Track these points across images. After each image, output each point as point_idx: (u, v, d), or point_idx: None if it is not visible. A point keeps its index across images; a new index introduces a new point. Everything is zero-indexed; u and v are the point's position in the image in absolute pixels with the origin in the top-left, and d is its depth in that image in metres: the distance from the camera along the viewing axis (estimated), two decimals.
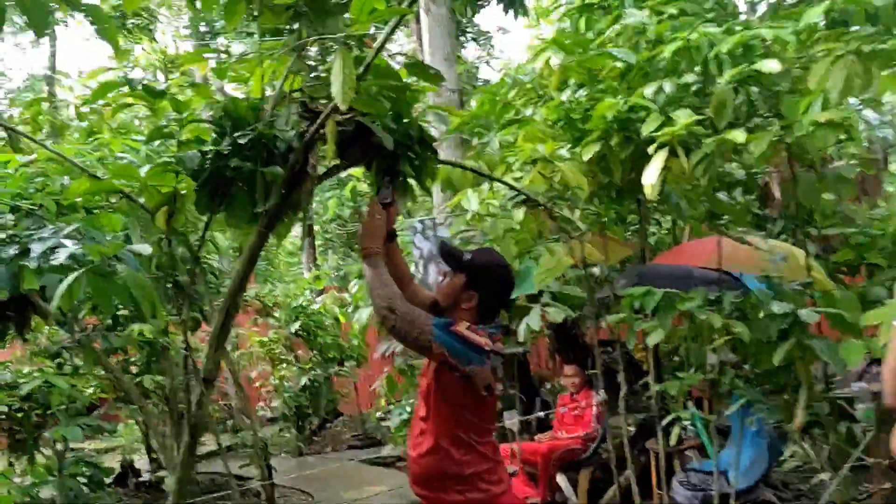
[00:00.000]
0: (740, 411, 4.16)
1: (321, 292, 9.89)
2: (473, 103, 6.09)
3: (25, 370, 7.36)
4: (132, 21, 13.12)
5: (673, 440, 3.80)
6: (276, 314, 8.44)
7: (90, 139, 4.39)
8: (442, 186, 5.30)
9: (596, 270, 6.54)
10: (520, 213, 3.71)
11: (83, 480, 3.74)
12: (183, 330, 2.31)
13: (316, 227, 12.86)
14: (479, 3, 8.57)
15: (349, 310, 9.20)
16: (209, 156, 2.41)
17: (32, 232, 3.40)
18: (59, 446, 7.23)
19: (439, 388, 2.35)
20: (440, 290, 2.50)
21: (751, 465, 4.28)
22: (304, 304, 8.74)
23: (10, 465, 7.56)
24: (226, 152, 2.37)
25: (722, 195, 4.76)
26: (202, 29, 12.72)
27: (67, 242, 3.24)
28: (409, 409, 5.86)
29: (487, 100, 3.79)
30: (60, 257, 2.16)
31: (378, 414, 9.77)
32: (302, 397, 8.63)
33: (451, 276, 2.46)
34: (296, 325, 8.40)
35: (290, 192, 2.38)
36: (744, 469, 4.16)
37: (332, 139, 2.24)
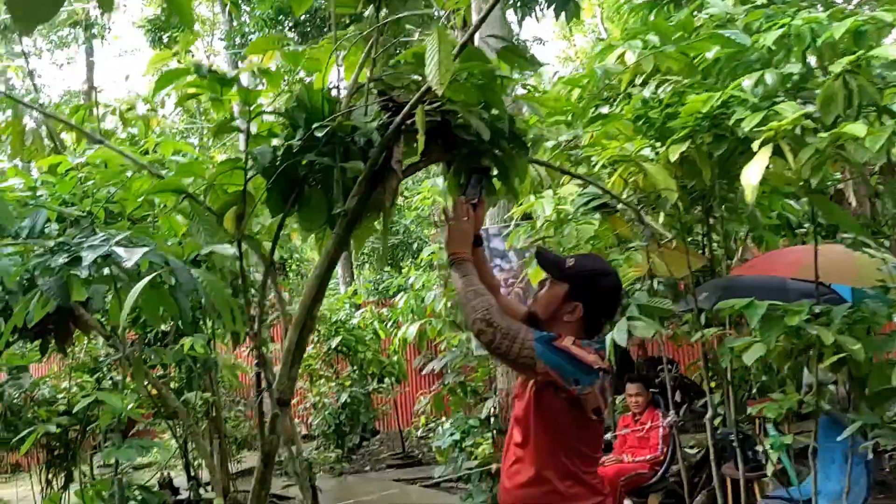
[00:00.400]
0: (829, 435, 3.83)
1: (358, 307, 9.67)
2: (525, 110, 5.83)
3: (63, 385, 7.23)
4: (167, 35, 13.13)
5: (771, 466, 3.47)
6: (319, 329, 8.23)
7: (137, 144, 4.22)
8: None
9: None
10: (596, 221, 3.45)
11: None
12: (257, 345, 2.06)
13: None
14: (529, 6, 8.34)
15: (388, 325, 9.00)
16: (280, 151, 2.18)
17: (81, 240, 3.21)
18: (97, 463, 7.04)
19: (540, 412, 2.08)
20: (538, 301, 2.23)
21: (844, 493, 3.93)
22: (343, 318, 8.53)
23: (48, 482, 7.43)
24: (299, 147, 2.14)
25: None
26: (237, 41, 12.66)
27: (119, 250, 3.03)
28: (459, 428, 5.58)
29: (567, 93, 3.53)
30: (131, 260, 1.92)
31: (419, 432, 9.51)
32: (342, 414, 8.38)
33: (551, 286, 2.19)
34: (336, 341, 8.18)
35: (370, 190, 2.14)
36: (837, 497, 3.82)
37: (423, 130, 1.99)
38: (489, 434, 5.52)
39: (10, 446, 6.95)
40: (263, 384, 2.01)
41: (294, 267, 9.91)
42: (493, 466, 4.84)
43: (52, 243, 3.06)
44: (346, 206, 2.10)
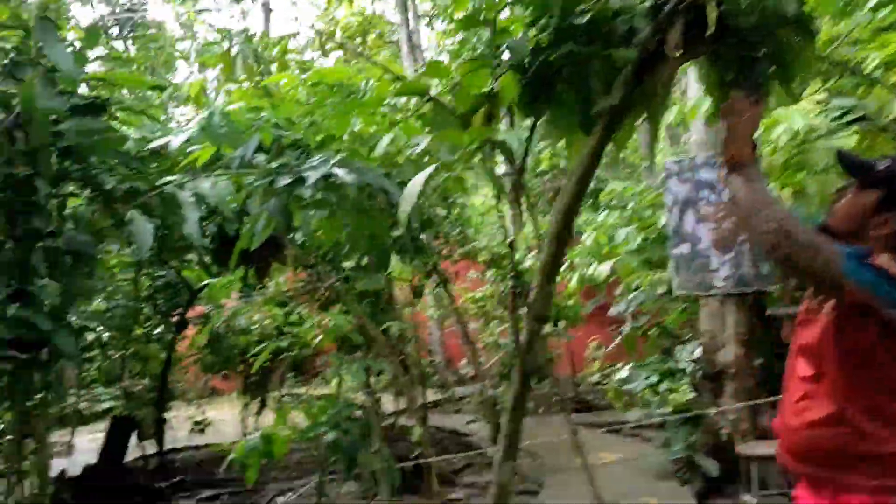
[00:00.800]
0: None
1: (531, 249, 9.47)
2: None
3: (255, 318, 7.67)
4: None
5: None
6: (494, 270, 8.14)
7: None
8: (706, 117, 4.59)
9: None
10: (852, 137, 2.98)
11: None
12: (510, 252, 1.89)
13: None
14: None
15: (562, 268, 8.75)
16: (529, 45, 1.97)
17: (298, 162, 3.21)
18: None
19: (842, 340, 1.76)
20: (837, 211, 1.89)
21: None
22: (519, 259, 8.37)
23: (246, 406, 7.97)
24: (553, 38, 1.92)
25: None
26: None
27: (339, 171, 2.98)
28: (657, 371, 5.27)
29: None
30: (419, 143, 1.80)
31: (594, 377, 9.29)
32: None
33: (856, 194, 1.84)
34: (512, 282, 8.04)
35: (637, 83, 1.88)
36: None
37: (712, 5, 1.70)
38: (686, 379, 5.18)
39: (216, 369, 7.49)
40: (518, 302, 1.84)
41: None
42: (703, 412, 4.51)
43: (274, 165, 3.08)
44: (611, 101, 1.85)
